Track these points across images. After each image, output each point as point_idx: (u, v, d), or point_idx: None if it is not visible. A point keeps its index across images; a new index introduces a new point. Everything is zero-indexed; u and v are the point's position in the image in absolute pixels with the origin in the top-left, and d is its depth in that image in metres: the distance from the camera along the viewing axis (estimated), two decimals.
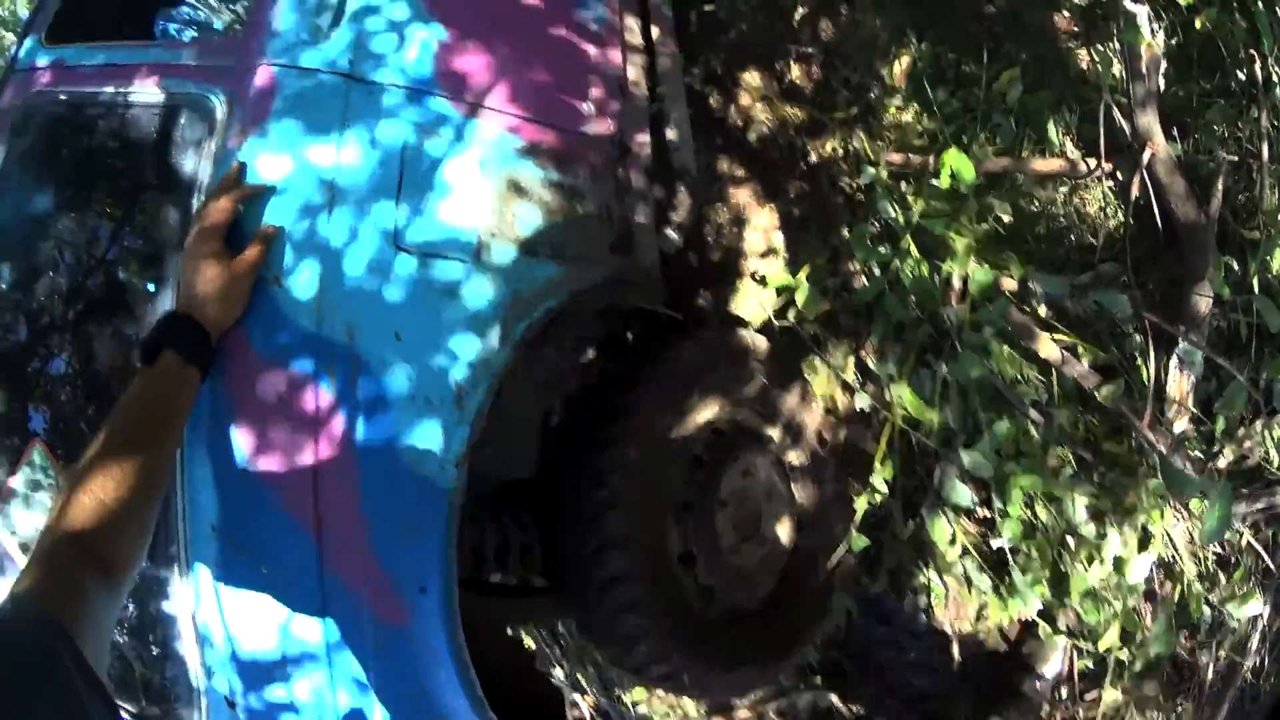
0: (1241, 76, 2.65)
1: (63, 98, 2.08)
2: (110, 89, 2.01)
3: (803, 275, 2.69)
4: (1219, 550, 2.89)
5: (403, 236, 1.81)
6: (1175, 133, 2.64)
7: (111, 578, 1.23)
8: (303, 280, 1.72)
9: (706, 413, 2.37)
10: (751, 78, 3.07)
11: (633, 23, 2.45)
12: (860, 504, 2.55)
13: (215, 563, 1.66)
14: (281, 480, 1.67)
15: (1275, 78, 2.48)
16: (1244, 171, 2.63)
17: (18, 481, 1.86)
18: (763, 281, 2.92)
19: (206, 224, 1.66)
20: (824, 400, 2.91)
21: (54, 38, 2.17)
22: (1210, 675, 2.86)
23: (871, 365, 2.86)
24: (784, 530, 2.60)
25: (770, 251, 2.96)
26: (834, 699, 3.10)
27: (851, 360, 2.92)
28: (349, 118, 1.85)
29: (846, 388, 2.92)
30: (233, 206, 1.69)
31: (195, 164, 1.86)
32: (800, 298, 2.66)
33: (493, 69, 2.05)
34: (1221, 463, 2.52)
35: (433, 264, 1.82)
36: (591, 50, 2.29)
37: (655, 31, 2.54)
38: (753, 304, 2.92)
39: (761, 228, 2.98)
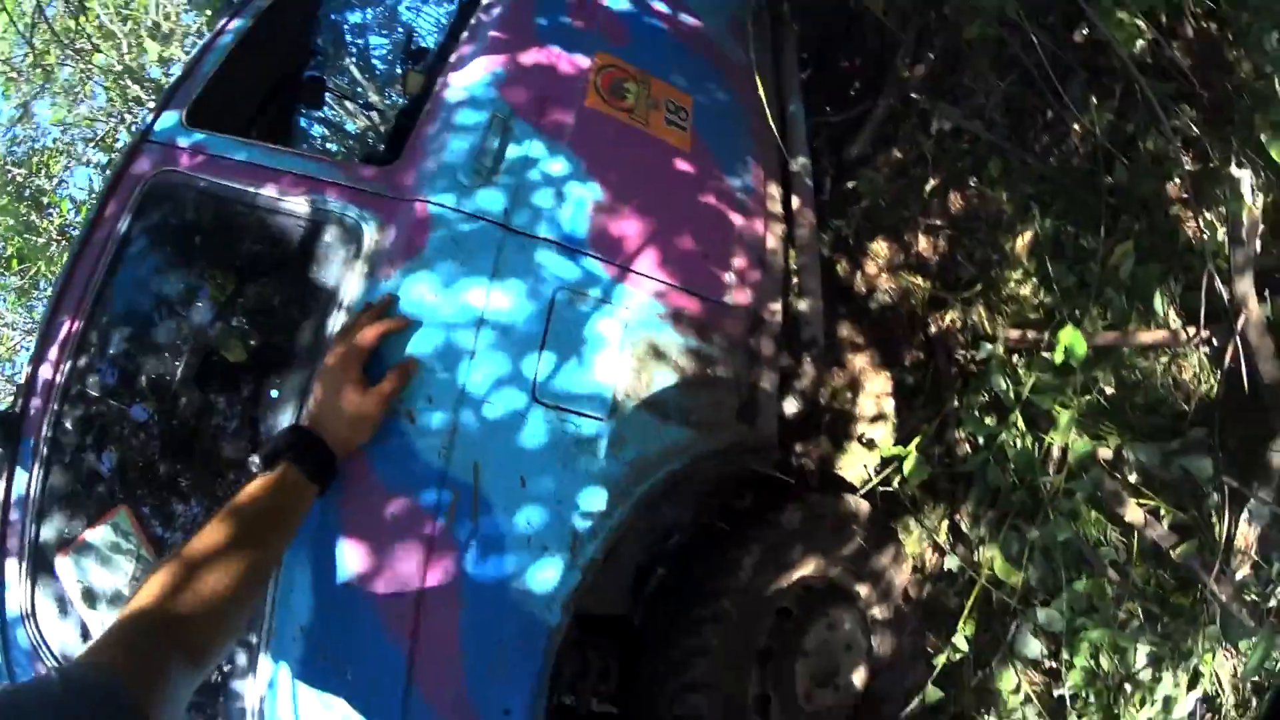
0: None
1: (201, 184, 2.11)
2: (253, 188, 2.05)
3: (913, 445, 2.70)
4: (1256, 679, 2.84)
5: (541, 389, 1.86)
6: (1266, 291, 2.62)
7: (196, 668, 1.23)
8: (435, 417, 1.77)
9: (803, 570, 2.39)
10: (879, 247, 3.15)
11: (775, 191, 2.52)
12: (940, 660, 2.53)
13: (298, 663, 1.69)
14: (383, 596, 1.70)
15: None
16: None
17: (95, 536, 1.90)
18: (870, 445, 2.95)
19: (350, 348, 1.71)
20: (914, 558, 2.93)
21: (195, 120, 2.22)
22: None
23: (964, 528, 2.88)
24: (859, 678, 2.59)
25: (880, 417, 3.00)
26: None
27: (945, 523, 2.94)
28: (500, 267, 1.91)
29: (937, 548, 2.94)
30: (377, 336, 1.74)
31: (337, 282, 1.92)
32: (908, 466, 2.67)
33: (644, 233, 2.11)
34: (1274, 602, 2.51)
35: (566, 418, 1.86)
36: (738, 220, 2.34)
37: (795, 201, 2.62)
38: (858, 466, 2.96)
39: (875, 394, 3.02)
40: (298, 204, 2.01)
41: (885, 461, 2.80)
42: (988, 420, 2.74)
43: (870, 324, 3.08)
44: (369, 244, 1.93)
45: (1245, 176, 2.39)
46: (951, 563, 2.83)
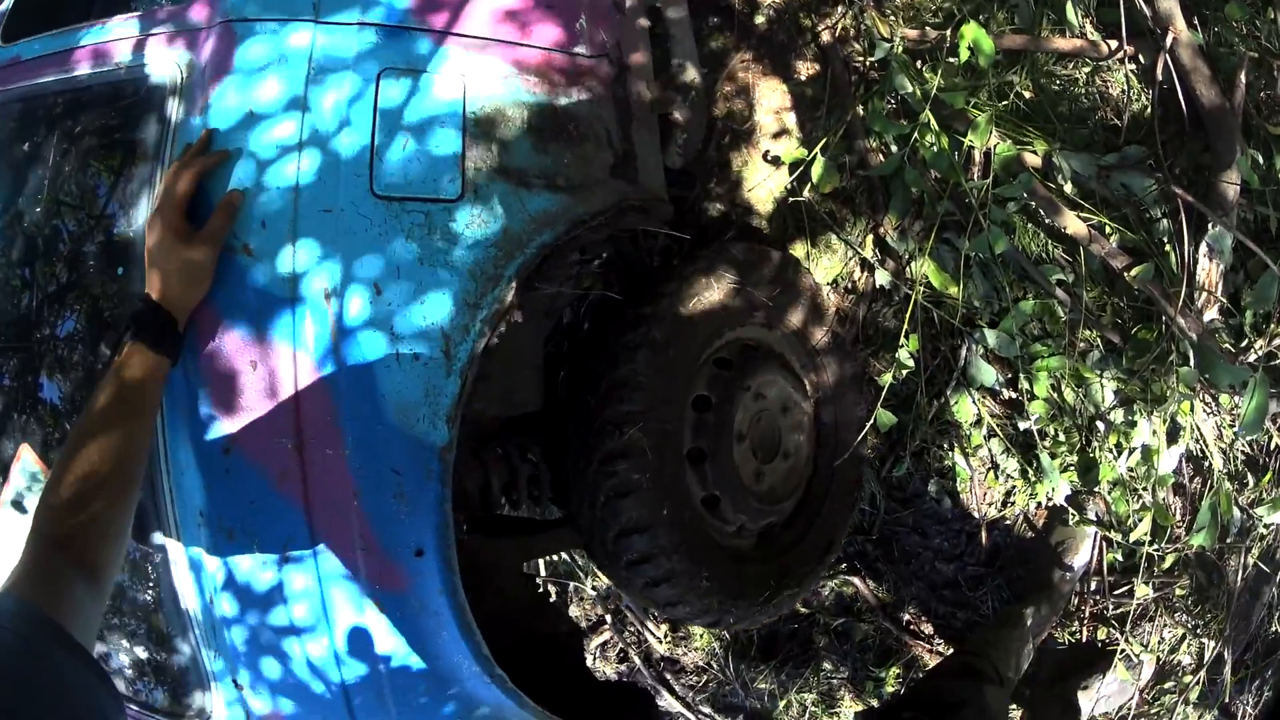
0: None
1: (19, 95, 1.96)
2: (62, 74, 1.89)
3: (817, 149, 2.56)
4: (1247, 450, 2.87)
5: (379, 183, 1.67)
6: (1195, 22, 2.53)
7: (95, 584, 1.22)
8: (273, 243, 1.61)
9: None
10: None
11: None
12: (886, 379, 2.48)
13: (207, 548, 1.61)
14: (265, 456, 1.60)
15: None
16: (1264, 69, 2.57)
17: (9, 491, 1.82)
18: (775, 162, 2.80)
19: (166, 200, 1.56)
20: (841, 278, 2.85)
21: (9, 36, 2.05)
22: (1239, 584, 2.83)
23: (890, 242, 2.77)
24: (804, 437, 2.51)
25: (783, 132, 2.83)
26: (858, 584, 3.08)
27: (870, 237, 2.82)
28: (315, 68, 1.69)
29: (865, 265, 2.83)
30: (193, 177, 1.58)
31: (160, 135, 1.74)
32: (816, 172, 2.56)
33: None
34: (1251, 357, 2.49)
35: (411, 207, 1.68)
36: None
37: None
38: (766, 185, 2.83)
39: (773, 109, 2.84)
40: (110, 72, 1.83)
41: (793, 171, 2.66)
42: (900, 123, 2.59)
43: (757, 39, 2.87)
44: (180, 84, 1.74)
45: None
46: (882, 278, 2.78)
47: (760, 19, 2.81)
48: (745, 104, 2.83)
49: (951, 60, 2.44)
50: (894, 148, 2.60)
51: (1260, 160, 2.49)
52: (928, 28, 2.66)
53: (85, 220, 1.86)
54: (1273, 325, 2.49)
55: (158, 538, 1.67)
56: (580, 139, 1.92)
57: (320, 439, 1.59)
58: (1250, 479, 2.82)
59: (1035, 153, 2.55)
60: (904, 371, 2.60)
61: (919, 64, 2.67)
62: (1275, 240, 2.60)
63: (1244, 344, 2.55)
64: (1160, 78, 2.44)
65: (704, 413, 2.26)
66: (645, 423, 2.03)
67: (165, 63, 1.76)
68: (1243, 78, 2.44)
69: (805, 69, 2.82)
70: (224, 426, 1.59)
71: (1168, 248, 2.53)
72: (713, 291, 2.21)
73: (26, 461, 1.80)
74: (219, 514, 1.60)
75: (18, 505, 1.80)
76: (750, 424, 2.33)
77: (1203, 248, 2.44)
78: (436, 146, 1.72)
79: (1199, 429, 2.70)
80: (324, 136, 1.65)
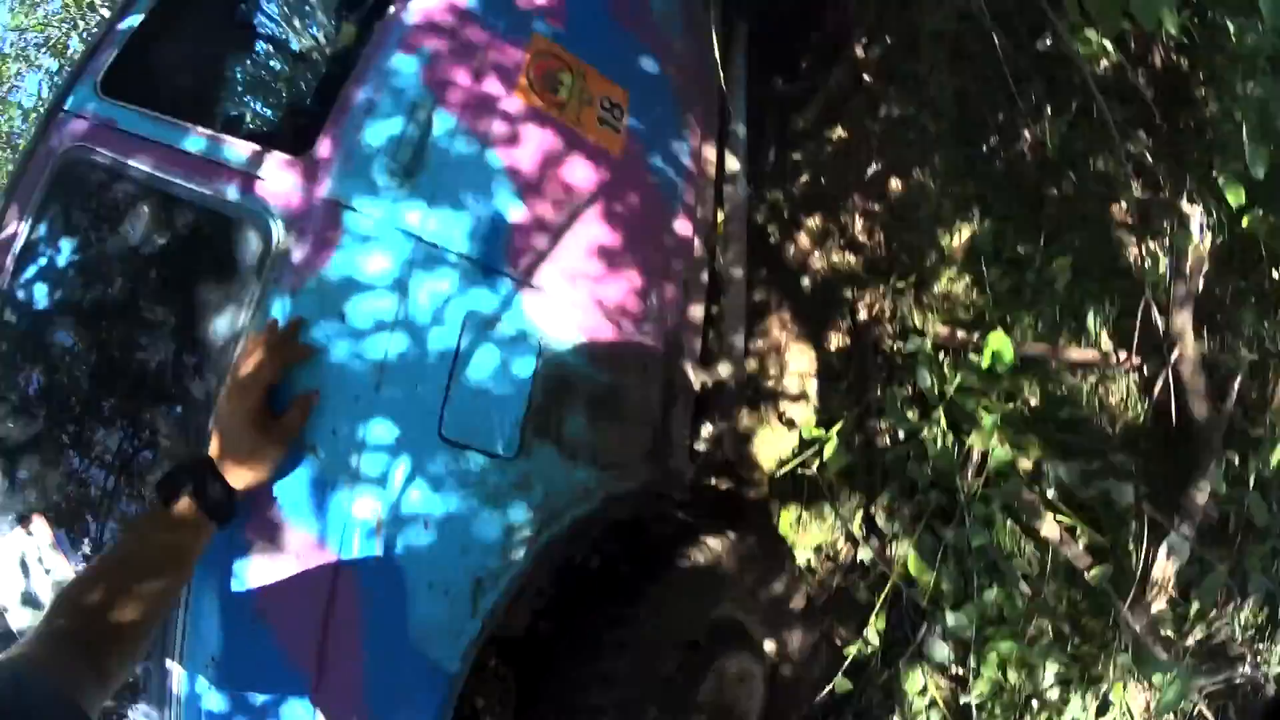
0: (1276, 275, 2.68)
1: (108, 164, 1.99)
2: (160, 171, 1.94)
3: (835, 430, 2.69)
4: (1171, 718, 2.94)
5: (447, 425, 1.78)
6: (1205, 329, 2.68)
7: (103, 689, 1.28)
8: (339, 453, 1.70)
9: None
10: (814, 222, 3.08)
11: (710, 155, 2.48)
12: (850, 651, 2.56)
13: (210, 687, 1.66)
14: (289, 636, 1.68)
15: None
16: (1260, 372, 2.68)
17: (17, 548, 1.86)
18: (790, 424, 2.94)
19: (251, 381, 1.63)
20: (826, 546, 2.95)
21: (110, 89, 2.08)
22: None
23: (879, 522, 2.89)
24: (757, 700, 2.60)
25: (802, 396, 2.98)
26: None
27: (860, 513, 2.95)
28: (412, 286, 1.82)
29: (850, 538, 2.95)
30: (280, 367, 1.66)
31: (242, 286, 1.82)
32: (829, 450, 2.67)
33: (564, 254, 2.04)
34: (1190, 641, 2.58)
35: (472, 457, 1.80)
36: (662, 234, 2.30)
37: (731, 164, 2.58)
38: (777, 444, 2.95)
39: (798, 372, 2.99)
40: (204, 193, 1.90)
41: (805, 443, 2.79)
42: (910, 414, 2.75)
43: (798, 300, 3.04)
44: (276, 246, 1.82)
45: (1195, 213, 2.40)
46: (865, 554, 2.86)
47: (806, 282, 3.00)
48: (774, 362, 2.99)
49: (974, 357, 2.60)
50: (901, 436, 2.75)
51: (1236, 461, 2.61)
52: (958, 330, 2.84)
53: (153, 333, 1.93)
54: (1214, 611, 2.59)
55: (166, 662, 1.71)
56: (627, 420, 2.08)
57: (345, 639, 1.68)
58: None
59: (1028, 457, 2.71)
60: (869, 648, 2.67)
61: (941, 355, 2.83)
62: (1232, 537, 2.66)
63: (1186, 628, 2.63)
64: (1158, 392, 2.56)
65: (669, 684, 2.29)
66: (617, 711, 2.11)
67: (265, 217, 1.84)
68: (1237, 385, 2.57)
69: (836, 340, 2.99)
70: (256, 596, 1.66)
71: (1131, 547, 2.64)
72: (697, 587, 2.30)
73: (40, 531, 1.85)
74: (231, 665, 1.66)
75: (23, 565, 1.85)
76: (708, 694, 2.39)
77: (1163, 548, 2.55)
78: (504, 406, 1.85)
79: (1128, 705, 2.79)
80: (405, 367, 1.77)
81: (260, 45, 3.80)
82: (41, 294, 1.99)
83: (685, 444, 2.28)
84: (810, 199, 3.15)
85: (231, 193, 1.87)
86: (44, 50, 7.13)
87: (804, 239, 3.10)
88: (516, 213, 1.99)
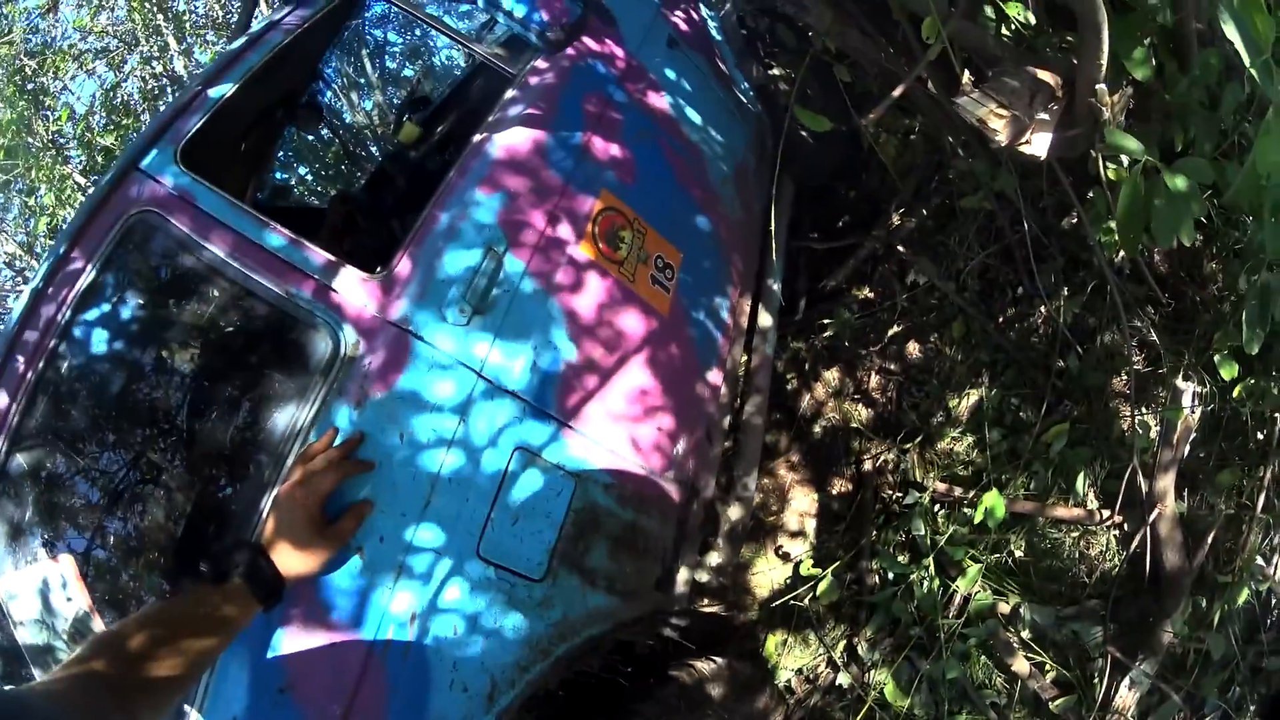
0: (1260, 436, 2.87)
1: (182, 238, 2.07)
2: (233, 259, 2.04)
3: (830, 570, 2.93)
4: None
5: (485, 545, 1.98)
6: (1185, 490, 2.88)
7: None
8: (383, 559, 1.88)
9: None
10: (831, 376, 3.36)
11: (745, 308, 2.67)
12: None
13: None
14: (315, 703, 1.82)
15: None
16: (1235, 525, 2.86)
17: (30, 575, 2.00)
18: (785, 558, 3.17)
19: (313, 487, 1.80)
20: (807, 670, 3.14)
21: (188, 159, 2.16)
22: None
23: (860, 651, 3.09)
24: None
25: (800, 534, 3.22)
26: None
27: (843, 643, 3.14)
28: (469, 415, 2.00)
29: (831, 664, 3.14)
30: (341, 477, 1.84)
31: (307, 389, 1.98)
32: (823, 586, 2.92)
33: (607, 400, 2.24)
34: None
35: (504, 576, 1.99)
36: (697, 391, 2.51)
37: (763, 318, 2.81)
38: (771, 575, 3.19)
39: (799, 511, 3.25)
40: (278, 293, 2.03)
41: (799, 577, 3.01)
42: (901, 558, 2.98)
43: (808, 444, 3.30)
44: (344, 358, 1.98)
45: (1189, 388, 2.58)
46: (844, 679, 3.07)
47: (817, 429, 3.24)
48: (777, 500, 3.23)
49: (967, 511, 2.84)
50: (891, 577, 2.97)
51: (1202, 603, 2.78)
52: (955, 486, 3.06)
53: (203, 408, 2.06)
54: None
55: (190, 713, 1.83)
56: (643, 554, 2.28)
57: (366, 717, 1.83)
58: None
59: (1007, 603, 2.91)
60: None
61: (936, 508, 3.06)
62: (1189, 670, 2.81)
63: None
64: (1136, 545, 2.76)
65: None
66: None
67: (336, 326, 1.99)
68: (1210, 538, 2.76)
69: (839, 485, 3.24)
70: (287, 670, 1.81)
71: (1096, 681, 2.81)
72: (684, 706, 2.37)
73: (67, 570, 1.98)
74: None
75: (44, 598, 1.99)
76: None
77: (1126, 681, 2.73)
78: (538, 532, 2.05)
79: None
80: (456, 489, 1.96)
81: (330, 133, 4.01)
82: (99, 340, 2.08)
83: (689, 577, 2.48)
84: (831, 353, 3.42)
85: (305, 297, 2.02)
86: (101, 58, 7.32)
87: (820, 390, 3.38)
88: (569, 358, 2.19)
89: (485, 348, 2.07)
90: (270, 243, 2.06)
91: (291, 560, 1.76)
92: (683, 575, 2.46)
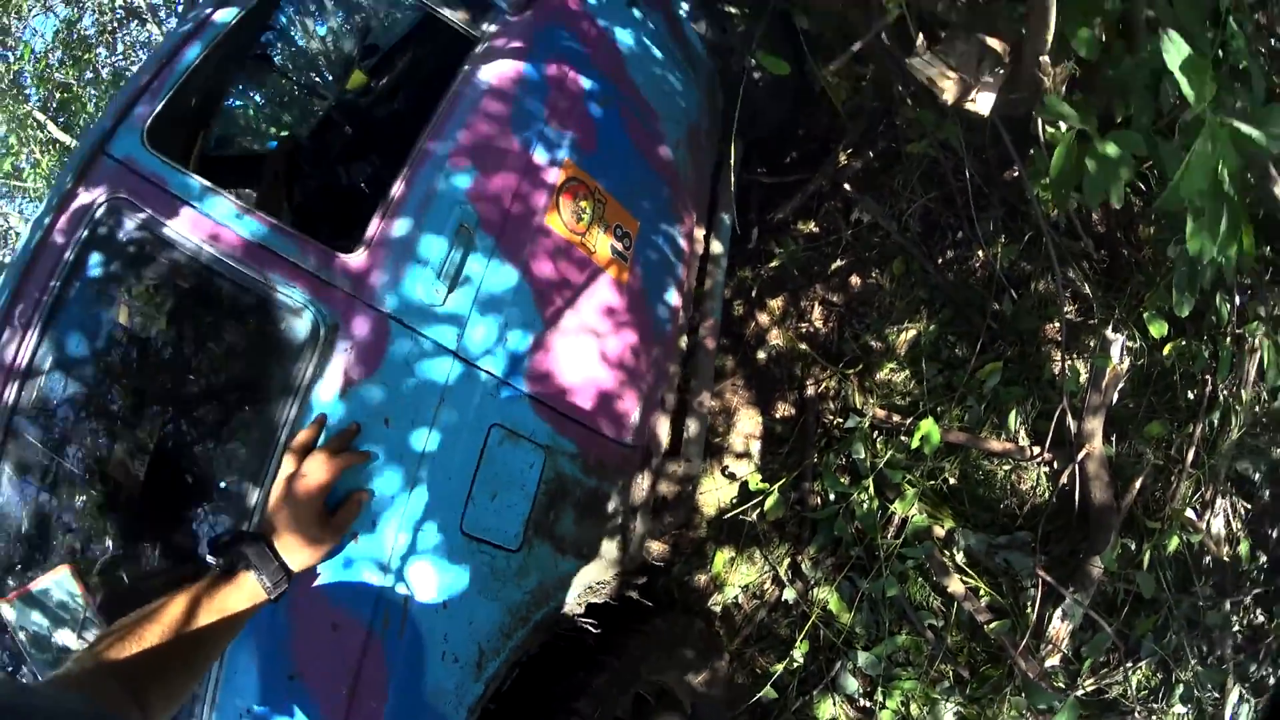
0: (1190, 396, 3.07)
1: (156, 227, 2.05)
2: (211, 249, 2.03)
3: (777, 486, 3.12)
4: None
5: (468, 521, 2.10)
6: (1115, 437, 3.07)
7: None
8: (378, 544, 1.99)
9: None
10: (777, 304, 3.49)
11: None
12: (778, 668, 3.03)
13: None
14: (323, 693, 1.93)
15: (1221, 398, 2.91)
16: (1164, 475, 3.06)
17: (37, 587, 2.02)
18: (731, 477, 3.36)
19: (316, 479, 1.86)
20: (753, 586, 3.36)
21: (156, 141, 2.12)
22: None
23: (804, 569, 3.31)
24: None
25: (745, 455, 3.40)
26: None
27: (787, 560, 3.36)
28: (447, 396, 2.10)
29: (777, 580, 3.37)
30: (341, 469, 1.90)
31: (292, 374, 2.01)
32: (769, 502, 3.11)
33: (573, 373, 2.37)
34: (1080, 693, 2.95)
35: (485, 549, 2.13)
36: (654, 357, 2.64)
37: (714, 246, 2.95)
38: (718, 492, 3.37)
39: (744, 433, 3.42)
40: (256, 279, 2.04)
41: (747, 494, 3.21)
42: (842, 479, 3.17)
43: (753, 370, 3.47)
44: (326, 342, 2.02)
45: (1118, 340, 2.73)
46: (790, 595, 3.29)
47: (762, 355, 3.39)
48: (724, 423, 3.39)
49: (904, 439, 3.02)
50: (832, 497, 3.17)
51: (1132, 547, 2.98)
52: (894, 414, 3.25)
53: (184, 399, 2.09)
54: (1106, 669, 2.99)
55: (198, 709, 1.91)
56: (605, 518, 2.43)
57: (370, 695, 1.96)
58: None
59: (943, 526, 3.13)
60: (795, 665, 3.12)
61: (875, 434, 3.24)
62: (1120, 608, 3.05)
63: (1077, 681, 3.01)
64: (1065, 482, 2.97)
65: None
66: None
67: (316, 313, 2.02)
68: (1139, 483, 2.95)
69: (783, 410, 3.41)
70: (295, 659, 1.91)
71: (1029, 610, 3.02)
72: (645, 656, 2.56)
73: (68, 580, 2.02)
74: (264, 716, 1.89)
75: (43, 603, 2.02)
76: None
77: (1059, 612, 2.92)
78: (513, 505, 2.19)
79: None
80: (439, 469, 2.06)
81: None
82: (77, 337, 2.06)
83: (644, 540, 2.66)
84: (777, 282, 3.56)
85: (283, 283, 2.04)
86: None
87: (765, 317, 3.53)
88: (536, 332, 2.29)
89: (460, 327, 2.15)
90: (246, 228, 2.06)
91: (298, 553, 1.81)
92: (639, 534, 2.62)
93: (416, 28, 3.85)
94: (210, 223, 2.05)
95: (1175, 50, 1.55)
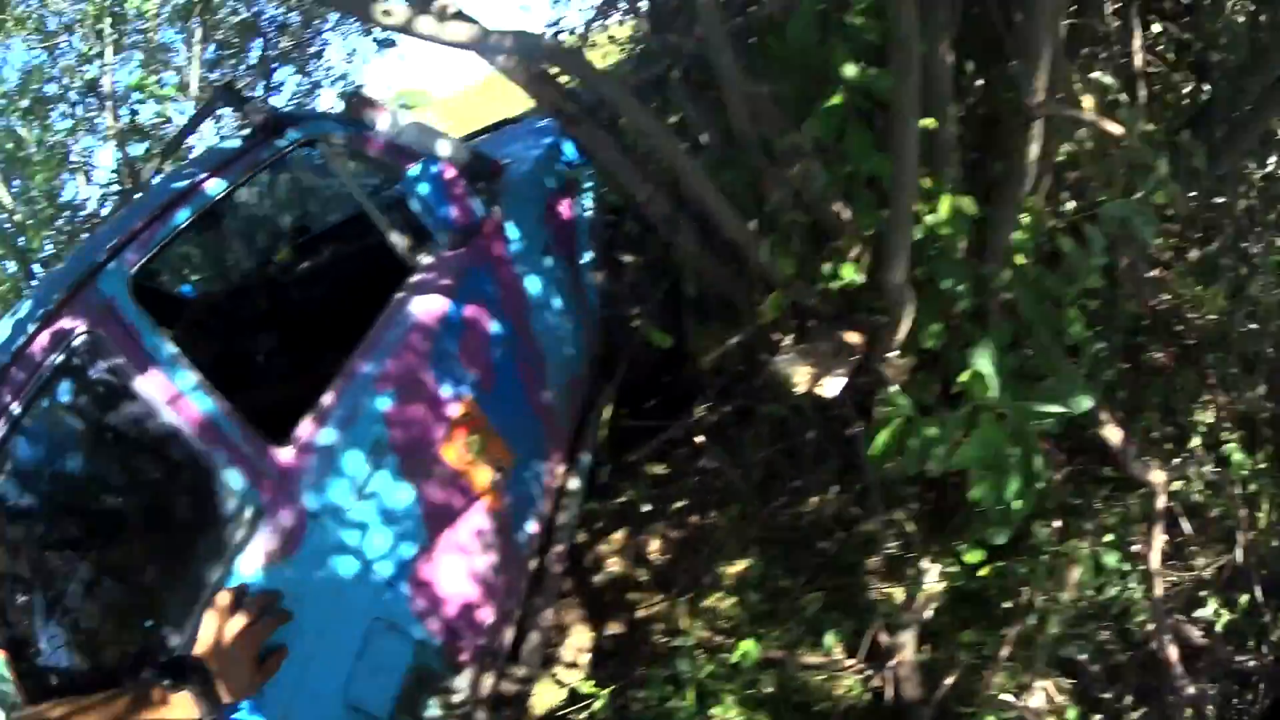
0: (1008, 605, 3.32)
1: (123, 371, 2.29)
2: (167, 409, 2.30)
3: (605, 693, 3.43)
4: None
5: (348, 693, 2.42)
6: (929, 645, 3.37)
7: None
8: (274, 702, 2.20)
9: None
10: (618, 536, 4.06)
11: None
12: None
13: None
14: None
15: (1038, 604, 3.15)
16: (977, 671, 3.26)
17: None
18: (560, 684, 3.71)
19: (250, 637, 2.06)
20: None
21: (139, 290, 2.40)
22: None
23: None
24: None
25: (574, 665, 3.78)
26: None
27: None
28: (344, 590, 2.46)
29: None
30: (274, 628, 2.14)
31: (218, 542, 2.29)
32: (597, 704, 3.39)
33: (442, 584, 2.77)
34: None
35: (361, 718, 2.47)
36: (511, 573, 3.11)
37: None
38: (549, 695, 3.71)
39: (576, 646, 3.82)
40: (204, 453, 2.32)
41: (575, 697, 3.49)
42: (666, 688, 3.45)
43: (589, 593, 3.92)
44: (252, 523, 2.32)
45: (934, 569, 3.17)
46: None
47: (599, 579, 3.91)
48: (558, 635, 3.81)
49: (725, 655, 3.41)
50: (656, 702, 3.44)
51: None
52: (717, 636, 3.67)
53: (115, 531, 2.35)
54: None
55: None
56: (455, 706, 2.81)
57: None
58: None
59: None
60: None
61: (699, 650, 3.56)
62: None
63: None
64: (877, 682, 3.23)
65: None
66: None
67: (246, 493, 2.32)
68: (948, 683, 3.15)
69: (615, 628, 3.83)
70: None
71: None
72: None
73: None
74: None
75: None
76: None
77: None
78: (387, 686, 2.56)
79: None
80: (331, 643, 2.39)
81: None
82: (34, 450, 2.27)
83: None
84: (621, 516, 4.11)
85: (225, 463, 2.33)
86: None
87: (606, 547, 4.06)
88: (421, 544, 2.71)
89: (363, 532, 2.55)
90: (202, 403, 2.36)
91: (230, 694, 1.99)
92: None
93: (344, 223, 4.31)
94: (173, 389, 2.33)
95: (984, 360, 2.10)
